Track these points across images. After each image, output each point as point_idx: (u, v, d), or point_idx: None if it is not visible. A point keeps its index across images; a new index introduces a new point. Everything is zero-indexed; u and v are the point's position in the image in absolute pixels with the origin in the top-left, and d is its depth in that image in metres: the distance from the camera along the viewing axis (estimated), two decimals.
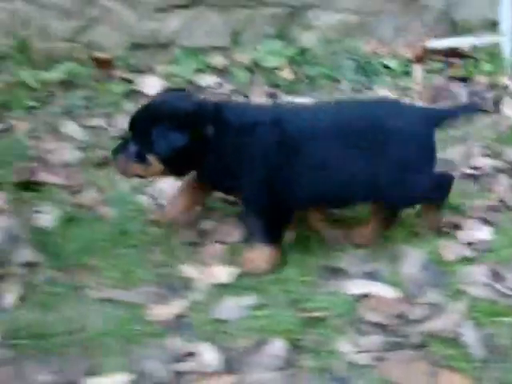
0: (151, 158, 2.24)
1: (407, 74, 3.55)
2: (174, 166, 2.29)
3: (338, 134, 2.27)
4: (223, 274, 2.27)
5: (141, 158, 2.26)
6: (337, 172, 2.28)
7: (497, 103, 3.25)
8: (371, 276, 2.28)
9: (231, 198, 2.54)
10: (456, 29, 3.74)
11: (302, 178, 2.27)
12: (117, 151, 2.33)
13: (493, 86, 3.41)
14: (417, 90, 3.38)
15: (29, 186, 2.76)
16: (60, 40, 3.66)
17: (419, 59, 3.55)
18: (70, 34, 3.66)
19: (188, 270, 2.30)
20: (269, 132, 2.26)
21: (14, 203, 2.65)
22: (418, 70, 3.48)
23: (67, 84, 3.58)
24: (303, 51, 3.67)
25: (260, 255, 2.29)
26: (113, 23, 3.63)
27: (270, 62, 3.51)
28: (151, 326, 2.07)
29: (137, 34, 3.65)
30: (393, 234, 2.46)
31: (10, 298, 2.18)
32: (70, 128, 3.27)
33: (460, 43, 3.60)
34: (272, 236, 2.31)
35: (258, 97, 3.41)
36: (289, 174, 2.26)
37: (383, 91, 3.42)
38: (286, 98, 3.42)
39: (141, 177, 2.41)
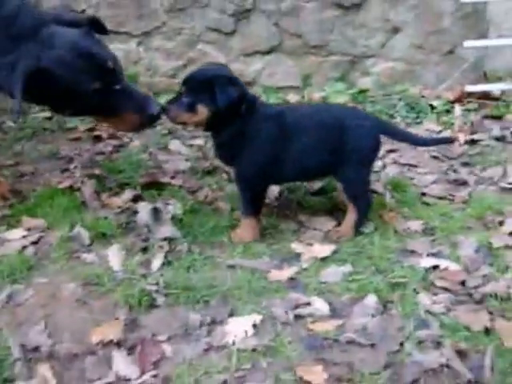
0: (201, 108, 2.78)
1: (448, 112, 4.25)
2: (213, 119, 2.82)
3: (315, 127, 2.94)
4: (323, 249, 2.89)
5: (191, 108, 2.79)
6: (311, 153, 2.93)
7: None
8: (436, 256, 2.85)
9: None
10: (486, 77, 4.46)
11: (289, 158, 2.91)
12: (170, 102, 2.88)
13: None
14: (457, 124, 4.08)
15: (153, 186, 3.44)
16: (163, 76, 4.41)
17: (458, 100, 4.27)
18: (171, 71, 4.43)
19: (295, 247, 2.94)
20: (274, 122, 2.91)
21: (146, 197, 3.34)
22: (457, 109, 4.18)
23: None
24: (362, 92, 4.40)
25: (244, 229, 2.99)
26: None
27: (337, 98, 4.23)
28: (272, 284, 2.70)
29: None
30: (449, 227, 3.05)
31: (157, 262, 2.84)
32: (176, 145, 3.98)
33: (492, 88, 4.31)
34: (253, 209, 2.99)
35: None
36: (281, 155, 2.91)
37: (430, 125, 4.12)
38: None
39: (185, 124, 3.02)
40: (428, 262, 2.79)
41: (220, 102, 2.74)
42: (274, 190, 3.33)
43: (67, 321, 2.53)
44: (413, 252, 2.89)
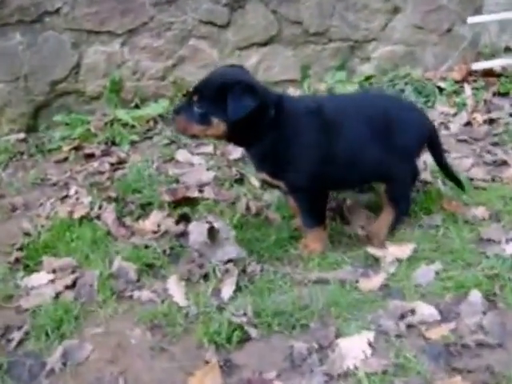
0: (215, 120, 2.42)
1: (457, 92, 4.11)
2: (235, 132, 2.46)
3: (363, 119, 2.60)
4: (402, 250, 2.62)
5: (204, 120, 2.43)
6: (364, 152, 2.59)
7: None
8: None
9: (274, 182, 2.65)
10: (481, 54, 4.37)
11: (340, 156, 2.55)
12: (178, 111, 2.52)
13: None
14: (470, 104, 3.94)
15: (183, 203, 3.03)
16: (151, 79, 3.96)
17: (465, 80, 4.13)
18: (160, 73, 3.99)
19: (372, 251, 2.64)
20: (315, 118, 2.53)
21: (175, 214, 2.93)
22: (468, 89, 4.05)
23: (162, 119, 3.89)
24: (367, 78, 4.17)
25: (312, 240, 2.65)
26: (199, 61, 3.99)
27: (344, 88, 3.97)
28: (366, 294, 2.40)
29: None
30: None
31: (229, 289, 2.44)
32: (185, 156, 3.56)
33: (498, 64, 4.21)
34: (317, 219, 2.65)
35: None
36: (330, 153, 2.53)
37: (444, 108, 3.96)
38: None
39: (196, 137, 2.72)
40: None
41: (232, 114, 2.36)
42: None
43: (149, 375, 2.12)
44: (490, 240, 2.70)
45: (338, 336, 2.20)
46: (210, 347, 2.19)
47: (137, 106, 3.93)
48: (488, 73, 4.23)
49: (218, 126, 2.43)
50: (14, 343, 2.30)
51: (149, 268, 2.62)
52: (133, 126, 3.80)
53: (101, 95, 3.91)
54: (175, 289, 2.44)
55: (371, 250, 2.64)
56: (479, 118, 3.83)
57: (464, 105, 3.98)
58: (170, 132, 3.76)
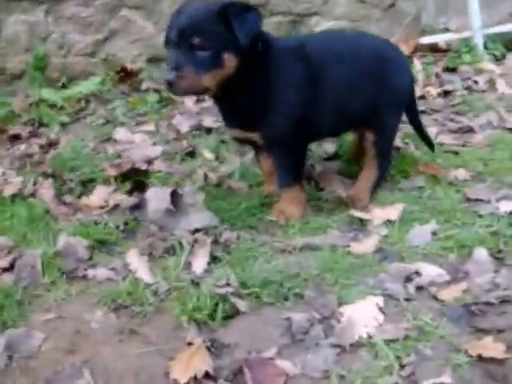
0: (227, 55, 2.08)
1: None
2: (242, 66, 2.12)
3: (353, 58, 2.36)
4: (389, 212, 2.35)
5: (215, 61, 2.08)
6: (353, 93, 2.35)
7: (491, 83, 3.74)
8: (507, 198, 2.43)
9: (249, 137, 2.34)
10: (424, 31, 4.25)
11: (326, 101, 2.30)
12: (179, 65, 2.06)
13: (478, 72, 3.92)
14: (421, 78, 3.79)
15: (131, 177, 2.62)
16: (78, 55, 3.52)
17: (413, 54, 3.99)
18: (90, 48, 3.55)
19: (358, 214, 2.35)
20: (299, 55, 2.26)
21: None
22: (417, 63, 3.90)
23: (94, 98, 3.45)
24: None
25: (289, 203, 2.34)
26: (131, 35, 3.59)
27: None
28: (361, 258, 2.11)
29: (155, 44, 3.63)
30: (495, 170, 2.68)
31: (203, 260, 2.09)
32: (124, 134, 3.15)
33: (445, 39, 4.11)
34: (296, 176, 2.35)
35: None
36: (316, 97, 2.28)
37: None
38: None
39: (202, 92, 2.26)
40: (505, 206, 2.39)
41: (243, 37, 2.05)
42: None
43: (121, 362, 1.71)
44: (478, 200, 2.48)
45: (340, 304, 1.89)
46: (190, 326, 1.82)
47: (64, 86, 3.46)
48: (434, 48, 4.12)
49: (230, 62, 2.11)
50: None
51: (101, 245, 2.21)
52: (62, 107, 3.34)
53: (23, 73, 3.42)
54: (137, 264, 2.04)
55: (356, 213, 2.35)
56: (433, 91, 3.68)
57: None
58: (104, 111, 3.34)
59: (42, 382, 1.66)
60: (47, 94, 3.33)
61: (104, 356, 1.73)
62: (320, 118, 2.31)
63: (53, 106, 3.35)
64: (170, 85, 2.06)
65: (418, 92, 3.64)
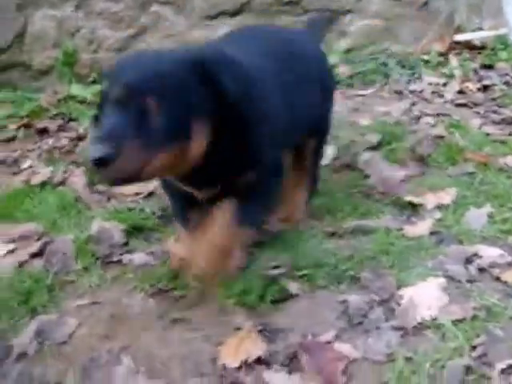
0: (196, 125, 1.47)
1: (442, 64, 3.83)
2: (216, 134, 1.54)
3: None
4: (442, 197, 2.21)
5: (178, 132, 1.44)
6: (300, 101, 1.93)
7: None
8: None
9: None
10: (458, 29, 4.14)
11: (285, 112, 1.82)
12: (120, 134, 1.37)
13: None
14: (458, 74, 3.66)
15: None
16: (109, 50, 3.45)
17: (449, 52, 3.88)
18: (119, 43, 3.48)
19: (409, 198, 2.21)
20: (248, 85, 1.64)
21: None
22: (454, 60, 3.78)
23: None
24: (347, 52, 3.83)
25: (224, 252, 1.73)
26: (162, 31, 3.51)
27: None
28: (416, 241, 1.96)
29: (187, 40, 3.55)
30: None
31: None
32: None
33: (481, 36, 3.99)
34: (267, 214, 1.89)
35: None
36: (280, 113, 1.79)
37: (432, 79, 3.65)
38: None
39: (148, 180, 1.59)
40: None
41: (232, 89, 1.49)
42: None
43: (165, 349, 1.57)
44: None
45: (398, 286, 1.74)
46: (237, 310, 1.68)
47: (93, 81, 3.38)
48: (469, 46, 4.00)
49: (201, 133, 1.48)
50: None
51: (137, 231, 2.08)
52: (91, 103, 3.25)
53: (51, 69, 3.34)
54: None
55: (408, 198, 2.20)
56: (471, 86, 3.55)
57: (452, 75, 3.69)
58: None
59: (76, 368, 1.52)
60: (76, 89, 3.25)
61: (145, 342, 1.60)
62: (287, 130, 1.85)
63: (82, 101, 3.25)
64: (99, 164, 1.32)
65: (457, 87, 3.55)
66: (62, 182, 2.41)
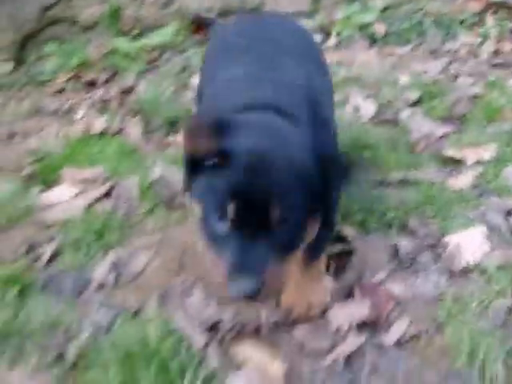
0: (310, 221, 1.35)
1: (477, 23, 3.87)
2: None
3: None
4: (482, 153, 2.31)
5: (298, 233, 1.32)
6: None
7: None
8: None
9: None
10: None
11: None
12: (261, 264, 1.25)
13: None
14: (495, 34, 3.70)
15: None
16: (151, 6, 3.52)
17: (485, 11, 3.91)
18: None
19: (451, 153, 2.31)
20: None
21: None
22: (490, 19, 3.82)
23: (168, 48, 3.46)
24: (383, 10, 3.87)
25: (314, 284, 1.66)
26: None
27: (365, 18, 3.65)
28: (459, 193, 2.07)
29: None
30: None
31: None
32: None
33: None
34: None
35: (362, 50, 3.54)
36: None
37: (467, 39, 3.70)
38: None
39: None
40: None
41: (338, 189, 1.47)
42: None
43: None
44: None
45: (443, 234, 1.87)
46: None
47: (137, 36, 3.47)
48: (506, 6, 4.02)
49: (312, 225, 1.37)
50: (44, 259, 1.86)
51: None
52: (136, 57, 3.35)
53: (95, 25, 3.43)
54: None
55: (449, 153, 2.31)
56: (508, 46, 3.59)
57: (488, 35, 3.73)
58: (179, 60, 3.34)
59: (152, 299, 1.67)
60: (121, 43, 3.34)
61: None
62: None
63: (127, 55, 3.35)
64: (253, 298, 1.26)
65: (492, 47, 3.59)
66: (119, 132, 2.53)
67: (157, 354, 1.44)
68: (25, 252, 1.89)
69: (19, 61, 3.42)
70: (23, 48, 3.45)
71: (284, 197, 1.25)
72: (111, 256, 1.82)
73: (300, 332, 1.57)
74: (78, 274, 1.79)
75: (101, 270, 1.77)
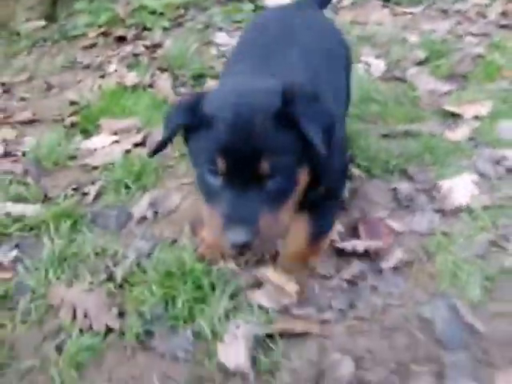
0: (301, 172, 1.41)
1: None
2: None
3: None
4: (479, 109, 2.53)
5: (290, 185, 1.40)
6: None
7: None
8: None
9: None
10: None
11: None
12: (254, 214, 1.33)
13: None
14: None
15: None
16: None
17: None
18: None
19: (451, 108, 2.55)
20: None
21: None
22: None
23: (192, 6, 3.66)
24: None
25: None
26: None
27: None
28: (455, 145, 2.32)
29: None
30: None
31: None
32: (224, 38, 3.36)
33: None
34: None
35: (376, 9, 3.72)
36: None
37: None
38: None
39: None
40: None
41: (320, 142, 1.33)
42: None
43: None
44: None
45: (438, 179, 2.13)
46: None
47: None
48: None
49: (304, 177, 1.44)
50: (91, 197, 2.14)
51: None
52: (162, 14, 3.56)
53: None
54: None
55: (449, 108, 2.55)
56: None
57: None
58: (203, 17, 3.55)
59: (184, 230, 1.94)
60: (148, 0, 3.55)
61: None
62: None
63: (153, 12, 3.57)
64: (241, 248, 1.34)
65: (500, 9, 3.74)
66: (150, 85, 2.78)
67: (191, 273, 1.72)
68: (72, 192, 2.18)
69: (51, 18, 3.65)
70: (54, 5, 3.67)
71: (270, 149, 1.30)
72: (148, 195, 2.10)
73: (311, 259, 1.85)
74: (121, 210, 2.07)
75: (140, 207, 2.05)
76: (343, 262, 1.82)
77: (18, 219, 2.02)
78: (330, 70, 1.75)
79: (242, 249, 1.33)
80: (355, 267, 1.80)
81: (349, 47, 2.13)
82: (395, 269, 1.79)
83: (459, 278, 1.73)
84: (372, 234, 1.91)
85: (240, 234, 1.30)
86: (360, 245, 1.84)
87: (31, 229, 2.00)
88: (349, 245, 1.85)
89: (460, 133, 2.40)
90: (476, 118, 2.50)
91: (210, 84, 2.77)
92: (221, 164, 1.31)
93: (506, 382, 1.46)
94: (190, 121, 1.36)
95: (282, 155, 1.32)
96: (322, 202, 1.62)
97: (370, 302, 1.69)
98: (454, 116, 2.52)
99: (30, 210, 2.05)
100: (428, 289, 1.73)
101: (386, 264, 1.81)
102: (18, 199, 2.13)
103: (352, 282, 1.76)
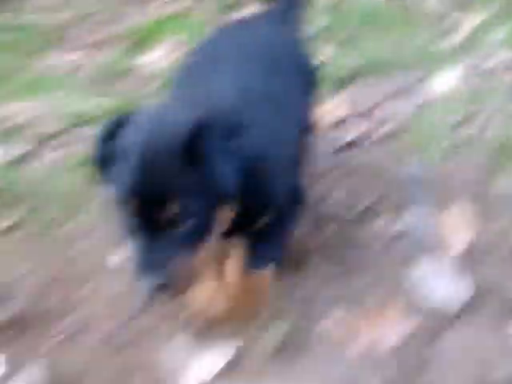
0: (220, 209, 1.33)
1: None
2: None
3: None
4: (472, 20, 2.97)
5: (205, 222, 1.31)
6: None
7: None
8: None
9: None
10: None
11: None
12: (165, 255, 1.27)
13: None
14: None
15: None
16: None
17: None
18: None
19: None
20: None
21: None
22: None
23: None
24: None
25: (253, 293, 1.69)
26: None
27: None
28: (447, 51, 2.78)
29: None
30: None
31: None
32: None
33: None
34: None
35: None
36: None
37: None
38: None
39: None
40: None
41: (227, 182, 1.28)
42: None
43: None
44: None
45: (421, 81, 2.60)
46: None
47: None
48: None
49: (225, 212, 1.36)
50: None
51: None
52: None
53: None
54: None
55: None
56: None
57: None
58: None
59: None
60: None
61: None
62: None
63: None
64: (165, 290, 1.30)
65: None
66: (196, 9, 3.30)
67: None
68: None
69: None
70: None
71: (175, 190, 1.23)
72: None
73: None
74: None
75: None
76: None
77: None
78: (277, 99, 1.60)
79: (161, 292, 1.30)
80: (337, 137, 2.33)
81: (313, 71, 1.90)
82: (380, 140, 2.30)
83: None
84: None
85: (152, 282, 1.26)
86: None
87: None
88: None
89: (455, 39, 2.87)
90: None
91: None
92: (131, 206, 1.25)
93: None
94: (107, 152, 1.30)
95: (190, 195, 1.25)
96: (267, 230, 1.56)
97: None
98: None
99: None
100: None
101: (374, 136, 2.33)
102: None
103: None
